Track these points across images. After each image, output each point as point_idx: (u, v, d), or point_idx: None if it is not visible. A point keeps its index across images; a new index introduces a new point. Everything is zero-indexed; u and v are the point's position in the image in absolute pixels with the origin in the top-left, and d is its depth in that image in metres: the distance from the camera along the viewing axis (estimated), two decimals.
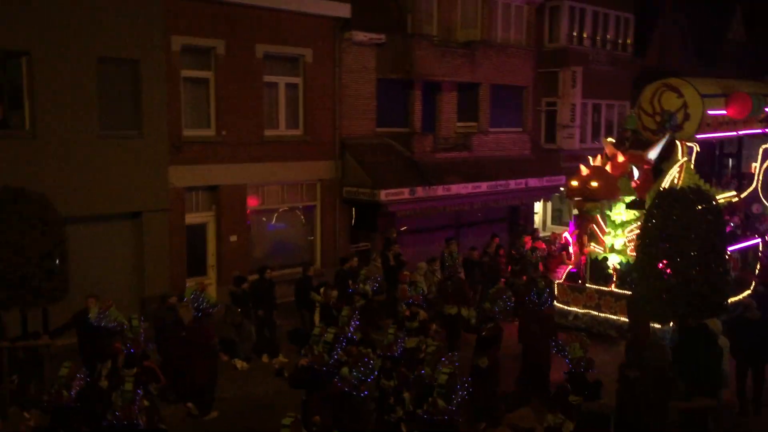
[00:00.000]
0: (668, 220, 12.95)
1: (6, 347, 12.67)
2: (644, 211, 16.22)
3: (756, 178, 21.26)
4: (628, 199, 18.05)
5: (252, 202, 20.22)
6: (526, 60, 26.62)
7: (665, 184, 17.46)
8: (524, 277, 19.37)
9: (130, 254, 17.79)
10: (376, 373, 10.29)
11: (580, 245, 18.63)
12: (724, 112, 19.21)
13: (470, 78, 24.81)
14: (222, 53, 18.89)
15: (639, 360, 11.58)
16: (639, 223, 16.81)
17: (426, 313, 14.98)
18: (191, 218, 19.01)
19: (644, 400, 10.99)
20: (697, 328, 12.43)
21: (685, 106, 18.47)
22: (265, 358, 16.08)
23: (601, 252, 18.34)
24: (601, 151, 19.31)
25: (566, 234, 20.02)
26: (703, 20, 36.67)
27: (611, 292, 17.84)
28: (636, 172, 18.05)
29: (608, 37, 30.62)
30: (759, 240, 20.57)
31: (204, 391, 13.42)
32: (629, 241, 17.70)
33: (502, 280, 19.68)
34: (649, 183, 17.92)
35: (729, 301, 13.77)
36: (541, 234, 26.00)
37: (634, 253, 16.74)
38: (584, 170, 18.11)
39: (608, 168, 18.30)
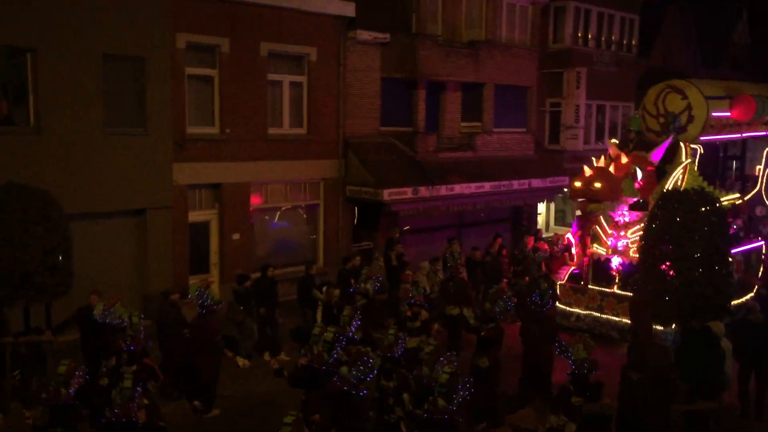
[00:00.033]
0: (672, 222, 12.95)
1: (9, 343, 12.70)
2: (647, 213, 16.26)
3: (760, 180, 21.22)
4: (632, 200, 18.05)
5: (255, 201, 20.23)
6: (530, 60, 26.62)
7: (669, 185, 17.44)
8: (527, 278, 19.35)
9: (133, 251, 17.83)
10: (375, 372, 10.28)
11: (583, 246, 18.61)
12: (728, 114, 19.18)
13: (474, 78, 24.81)
14: (227, 51, 18.91)
15: (641, 362, 11.58)
16: (642, 225, 16.85)
17: (428, 313, 14.99)
18: (194, 216, 19.03)
19: (646, 402, 10.99)
20: (700, 330, 12.42)
21: (689, 107, 18.43)
22: (266, 356, 16.09)
23: (604, 253, 18.32)
24: (604, 152, 19.30)
25: (569, 235, 20.00)
26: (708, 22, 36.64)
27: (614, 294, 17.84)
28: (639, 174, 18.01)
29: (613, 38, 30.59)
30: (762, 242, 20.54)
31: (208, 388, 13.44)
32: (632, 243, 17.67)
33: (504, 280, 19.72)
34: (652, 184, 17.89)
35: (732, 303, 13.76)
36: (544, 235, 25.98)
37: (637, 255, 16.76)
38: (587, 171, 18.09)
39: (612, 169, 18.28)
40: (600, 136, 29.55)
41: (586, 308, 18.21)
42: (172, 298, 14.50)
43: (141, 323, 11.81)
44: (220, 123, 19.14)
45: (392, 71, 22.58)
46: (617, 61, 30.49)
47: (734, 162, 23.83)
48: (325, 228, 21.75)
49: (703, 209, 12.98)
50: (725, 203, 17.16)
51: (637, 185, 18.08)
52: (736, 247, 17.70)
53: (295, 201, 21.36)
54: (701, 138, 18.67)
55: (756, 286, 18.59)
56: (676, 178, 17.93)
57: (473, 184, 23.09)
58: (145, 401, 9.35)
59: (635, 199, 18.12)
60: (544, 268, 20.08)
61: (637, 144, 19.01)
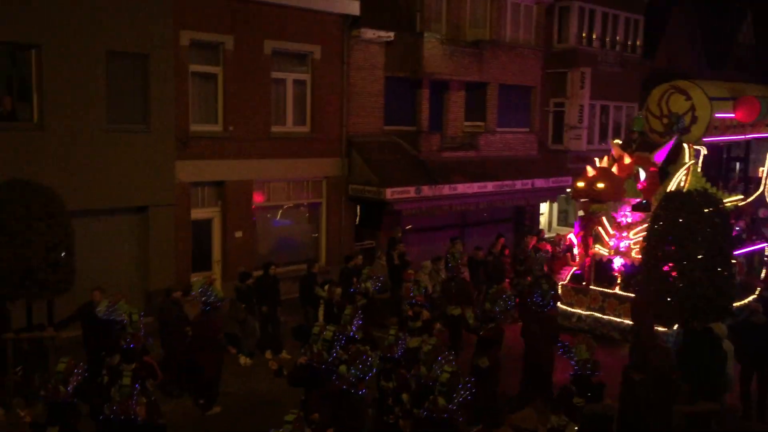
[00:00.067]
0: (675, 223, 12.95)
1: (11, 339, 12.72)
2: (650, 214, 16.24)
3: (763, 182, 21.19)
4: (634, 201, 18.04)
5: (258, 198, 20.24)
6: (534, 60, 26.60)
7: (672, 186, 17.43)
8: (528, 278, 19.34)
9: (136, 248, 17.84)
10: (374, 370, 10.27)
11: (585, 247, 18.59)
12: (732, 115, 19.16)
13: (478, 77, 24.79)
14: (230, 49, 18.91)
15: (643, 362, 11.57)
16: (644, 226, 16.83)
17: (430, 312, 14.98)
18: (197, 213, 19.05)
19: (647, 403, 10.98)
20: (702, 331, 12.42)
21: (692, 108, 18.41)
22: (268, 355, 16.10)
23: (606, 254, 18.31)
24: (608, 152, 19.28)
25: (571, 235, 19.99)
26: (713, 23, 36.59)
27: (615, 295, 17.82)
28: (642, 174, 17.99)
29: (617, 38, 30.56)
30: (765, 244, 20.51)
31: (210, 386, 13.46)
32: (634, 244, 17.65)
33: (507, 280, 19.70)
34: (655, 185, 17.88)
35: (734, 305, 13.74)
36: (546, 235, 25.97)
37: (639, 256, 16.74)
38: (590, 171, 18.08)
39: (614, 170, 18.27)
40: (604, 137, 29.53)
41: (588, 309, 18.19)
42: (174, 295, 14.50)
43: (141, 321, 11.79)
44: (223, 121, 19.15)
45: (396, 70, 22.58)
46: (621, 62, 30.45)
47: (738, 163, 23.82)
48: (327, 226, 21.75)
49: (706, 210, 12.97)
50: (728, 205, 17.14)
51: (639, 186, 18.06)
52: (738, 249, 17.68)
53: (298, 199, 21.38)
54: (705, 139, 18.65)
55: (758, 288, 18.57)
56: (679, 180, 17.92)
57: (476, 184, 23.09)
58: (143, 399, 9.32)
59: (638, 200, 18.10)
60: (545, 268, 20.06)
61: (640, 145, 18.98)
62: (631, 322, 16.61)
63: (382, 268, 18.70)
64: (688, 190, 14.25)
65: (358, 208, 22.40)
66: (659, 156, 18.20)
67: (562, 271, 19.39)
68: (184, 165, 18.20)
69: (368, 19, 21.41)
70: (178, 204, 18.25)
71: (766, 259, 20.47)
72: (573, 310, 18.39)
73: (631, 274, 17.59)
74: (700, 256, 12.65)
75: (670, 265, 12.85)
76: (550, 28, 28.32)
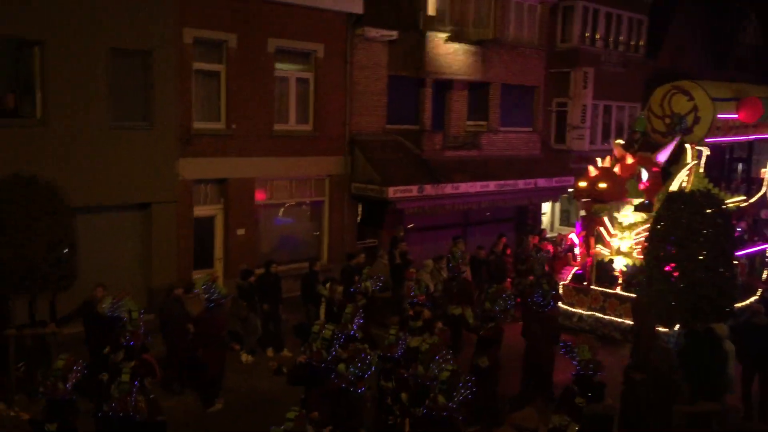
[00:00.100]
0: (677, 223, 12.94)
1: (13, 335, 12.74)
2: (652, 214, 16.23)
3: (765, 183, 21.16)
4: (636, 201, 18.01)
5: (260, 196, 20.25)
6: (537, 60, 26.60)
7: (674, 187, 17.43)
8: (530, 278, 19.35)
9: (138, 245, 17.87)
10: (373, 369, 10.27)
11: (587, 247, 18.59)
12: (735, 116, 19.14)
13: (481, 77, 24.80)
14: (234, 47, 18.92)
15: (644, 363, 11.58)
16: (646, 226, 16.82)
17: (431, 311, 14.98)
18: (199, 211, 19.07)
19: (648, 403, 10.98)
20: (703, 332, 12.42)
21: (695, 109, 18.40)
22: (269, 352, 16.13)
23: (608, 254, 18.30)
24: (611, 152, 19.27)
25: (572, 235, 19.99)
26: (716, 23, 36.54)
27: (616, 295, 17.82)
28: (645, 175, 17.98)
29: (621, 38, 30.54)
30: (767, 246, 20.49)
31: (214, 383, 13.47)
32: (636, 244, 17.65)
33: (508, 279, 19.71)
34: (657, 186, 17.87)
35: (735, 306, 13.73)
36: (548, 234, 25.97)
37: (641, 256, 16.73)
38: (593, 171, 18.07)
39: (617, 170, 18.25)
40: (606, 137, 29.52)
41: (589, 309, 18.19)
42: (176, 292, 14.50)
43: (141, 318, 11.78)
44: (226, 118, 19.16)
45: (399, 69, 22.58)
46: (625, 62, 30.44)
47: (740, 164, 23.80)
48: (329, 225, 21.76)
49: (708, 211, 12.97)
50: (731, 206, 17.13)
51: (642, 186, 18.06)
52: (740, 250, 17.67)
53: (300, 197, 21.39)
54: (707, 140, 18.64)
55: (760, 290, 18.56)
56: (681, 180, 17.92)
57: (478, 183, 23.10)
58: (141, 397, 9.31)
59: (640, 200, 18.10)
60: (546, 267, 20.07)
61: (642, 145, 18.97)
62: (631, 323, 16.65)
63: (383, 267, 18.71)
64: (691, 191, 14.25)
65: (360, 206, 22.40)
66: (661, 156, 18.19)
67: (563, 271, 19.40)
68: (187, 162, 18.22)
69: (371, 18, 21.40)
70: (181, 201, 18.26)
71: (767, 260, 20.43)
72: (574, 310, 18.40)
73: (632, 274, 17.58)
74: (702, 257, 12.64)
75: (672, 265, 12.84)
76: (553, 27, 28.31)
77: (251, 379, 14.76)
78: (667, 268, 12.88)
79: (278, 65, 20.06)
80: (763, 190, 21.09)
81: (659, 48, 32.75)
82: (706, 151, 18.75)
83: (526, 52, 26.07)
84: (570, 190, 24.93)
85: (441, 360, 10.02)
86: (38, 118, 15.97)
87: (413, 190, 21.24)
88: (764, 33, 39.76)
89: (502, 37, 25.14)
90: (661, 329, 15.26)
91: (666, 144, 18.31)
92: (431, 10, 22.74)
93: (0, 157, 14.71)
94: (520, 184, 24.48)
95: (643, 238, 16.71)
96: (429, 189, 21.62)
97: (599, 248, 18.42)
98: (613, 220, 18.27)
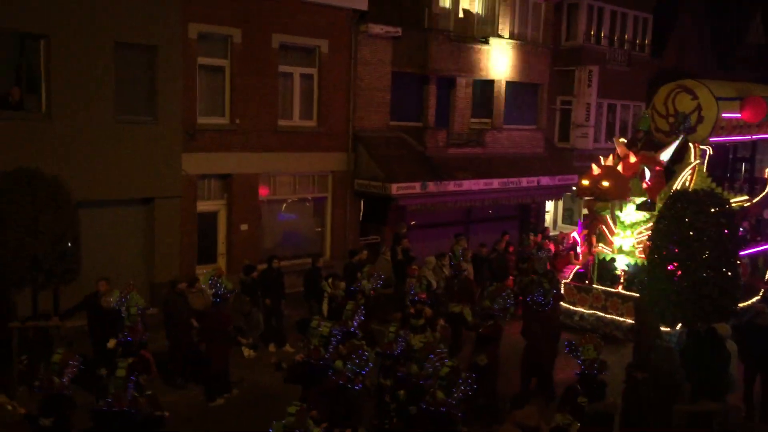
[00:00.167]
0: (680, 223, 12.92)
1: (16, 328, 12.78)
2: (654, 213, 16.22)
3: None
4: (639, 200, 17.99)
5: (264, 192, 20.28)
6: (542, 57, 26.58)
7: (677, 186, 17.41)
8: (533, 276, 19.32)
9: (141, 240, 17.91)
10: (370, 365, 10.28)
11: (589, 245, 18.57)
12: (738, 115, 19.11)
13: (485, 74, 24.79)
14: (238, 42, 18.94)
15: (646, 362, 11.58)
16: (648, 225, 16.81)
17: (433, 309, 15.00)
18: (203, 206, 19.10)
19: (650, 402, 11.00)
20: (705, 331, 12.42)
21: (699, 108, 18.39)
22: (272, 348, 16.16)
23: (610, 253, 18.29)
24: (614, 151, 19.25)
25: (574, 234, 19.97)
26: (722, 23, 36.47)
27: (618, 294, 17.81)
28: (647, 173, 17.96)
29: (626, 37, 30.50)
30: None
31: (218, 377, 13.51)
32: (638, 243, 17.63)
33: (510, 278, 19.70)
34: (660, 185, 17.84)
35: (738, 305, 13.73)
36: (551, 233, 25.98)
37: (643, 255, 16.73)
38: (595, 170, 18.04)
39: (620, 168, 18.22)
40: (610, 135, 29.42)
41: (591, 307, 18.18)
42: (179, 287, 14.54)
43: (139, 314, 11.79)
44: (230, 113, 19.19)
45: (403, 65, 22.59)
46: (629, 60, 30.41)
47: (744, 164, 23.75)
48: (332, 221, 21.78)
49: (712, 210, 12.96)
50: (734, 205, 17.11)
51: (645, 185, 18.04)
52: (742, 250, 17.64)
53: (304, 193, 21.41)
54: (711, 139, 18.62)
55: (762, 290, 18.54)
56: (684, 179, 17.90)
57: (482, 181, 23.11)
58: (135, 393, 9.29)
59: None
60: (548, 266, 20.02)
61: (645, 143, 18.95)
62: (633, 322, 16.64)
63: (386, 264, 18.74)
64: (694, 190, 14.22)
65: (363, 202, 22.40)
66: (665, 155, 18.17)
67: (565, 270, 19.38)
68: (191, 157, 18.25)
69: (376, 14, 21.42)
70: (184, 196, 18.30)
71: None
72: (575, 308, 18.38)
73: (634, 273, 17.57)
74: (705, 256, 12.64)
75: (675, 264, 12.84)
76: (558, 25, 28.28)
77: (253, 374, 14.79)
78: (669, 268, 12.87)
79: (282, 61, 20.06)
80: (767, 190, 21.04)
81: (664, 47, 32.71)
82: (709, 151, 18.73)
83: (530, 49, 26.05)
84: (573, 188, 24.91)
85: (436, 358, 10.00)
86: (43, 113, 16.00)
87: (416, 187, 21.26)
88: None
89: (506, 35, 25.12)
90: (663, 328, 15.25)
91: (669, 143, 18.28)
92: (436, 8, 22.76)
93: (5, 151, 14.76)
94: (524, 182, 24.48)
95: (645, 237, 16.70)
96: (432, 186, 21.63)
97: (601, 247, 18.40)
98: (615, 218, 18.26)
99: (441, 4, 23.13)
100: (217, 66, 18.97)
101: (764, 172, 21.71)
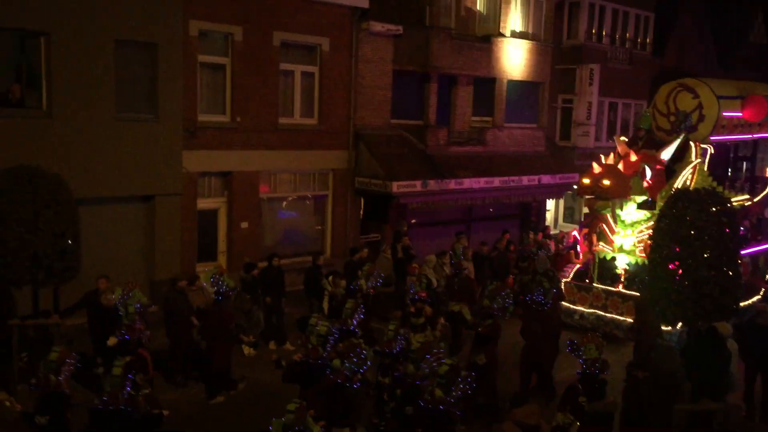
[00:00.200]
0: (681, 222, 12.91)
1: (17, 325, 12.78)
2: (655, 212, 16.20)
3: None
4: (640, 198, 17.97)
5: (264, 190, 20.27)
6: (543, 56, 26.55)
7: (677, 185, 17.39)
8: (533, 274, 19.29)
9: (142, 237, 17.91)
10: (369, 364, 10.26)
11: (589, 244, 18.55)
12: (739, 114, 19.10)
13: (487, 72, 24.77)
14: (239, 40, 18.94)
15: (646, 361, 11.58)
16: (649, 224, 16.79)
17: (434, 307, 14.98)
18: (203, 203, 19.10)
19: (650, 401, 10.99)
20: (706, 331, 12.41)
21: (700, 106, 18.38)
22: (272, 345, 16.16)
23: (610, 252, 18.27)
24: (615, 149, 19.23)
25: (575, 232, 19.95)
26: (723, 22, 36.44)
27: (619, 293, 17.79)
28: (648, 172, 17.94)
29: (627, 35, 30.49)
30: None
31: (220, 375, 13.51)
32: (639, 242, 17.62)
33: (510, 276, 19.68)
34: (661, 183, 17.83)
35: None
36: (552, 231, 25.97)
37: (643, 254, 16.71)
38: (596, 168, 18.02)
39: (621, 167, 18.20)
40: (612, 134, 29.43)
41: (591, 306, 18.16)
42: (179, 284, 14.54)
43: (137, 312, 11.77)
44: (231, 111, 19.18)
45: (404, 63, 22.58)
46: (631, 59, 30.40)
47: (745, 163, 23.74)
48: (333, 219, 21.78)
49: (713, 209, 12.94)
50: (735, 204, 17.09)
51: (645, 184, 18.02)
52: (743, 249, 17.62)
53: (304, 191, 21.41)
54: (712, 138, 18.61)
55: (763, 289, 18.53)
56: (685, 178, 17.88)
57: (482, 179, 23.11)
58: (132, 392, 9.27)
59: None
60: (548, 265, 20.00)
61: (646, 142, 18.93)
62: (632, 320, 16.62)
63: (386, 262, 18.73)
64: (696, 189, 14.20)
65: (364, 200, 22.38)
66: (665, 154, 18.15)
67: (565, 269, 19.36)
68: (191, 155, 18.24)
69: (377, 12, 21.41)
70: (185, 194, 18.30)
71: None
72: (576, 307, 18.36)
73: (635, 272, 17.55)
74: (706, 255, 12.63)
75: (676, 263, 12.82)
76: (559, 23, 28.27)
77: (254, 372, 14.77)
78: (670, 267, 12.85)
79: (283, 59, 20.05)
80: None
81: (665, 45, 32.69)
82: (710, 150, 18.70)
83: (532, 48, 26.02)
84: (575, 187, 24.89)
85: (433, 359, 9.98)
86: (43, 110, 16.00)
87: (417, 185, 21.25)
88: None
89: (507, 33, 25.10)
90: (664, 328, 15.23)
91: (670, 142, 18.26)
92: (438, 6, 22.76)
93: (5, 148, 14.76)
94: (525, 180, 24.47)
95: (645, 236, 16.68)
96: (433, 184, 21.62)
97: (602, 246, 18.38)
98: (615, 217, 18.24)
99: (442, 1, 23.10)
100: (217, 64, 18.96)
101: (765, 171, 21.71)
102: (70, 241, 12.86)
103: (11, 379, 12.73)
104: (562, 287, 18.05)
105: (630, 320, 16.73)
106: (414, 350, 10.61)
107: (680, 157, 18.26)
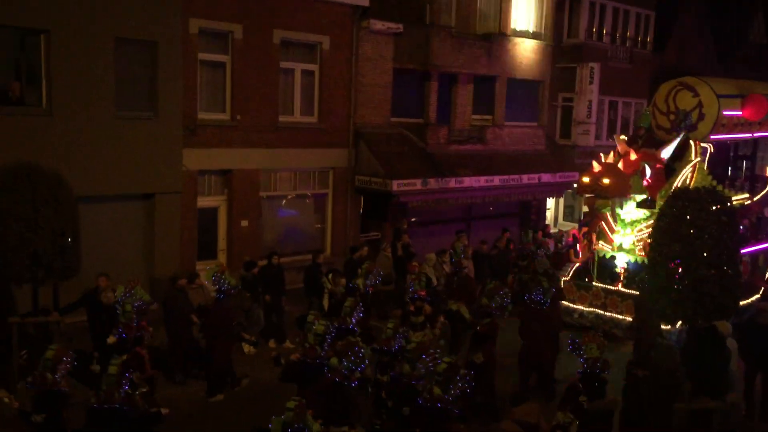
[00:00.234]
0: (681, 221, 12.91)
1: (16, 323, 12.79)
2: (655, 211, 16.19)
3: None
4: (639, 197, 17.96)
5: (264, 188, 20.26)
6: (544, 54, 26.55)
7: (677, 184, 17.38)
8: (531, 273, 19.28)
9: (142, 235, 17.91)
10: (366, 362, 10.24)
11: (589, 243, 18.53)
12: (739, 113, 19.08)
13: (487, 71, 24.77)
14: (239, 38, 18.93)
15: (646, 359, 11.57)
16: (649, 223, 16.79)
17: (433, 306, 14.96)
18: (203, 201, 19.11)
19: (650, 400, 10.99)
20: (706, 329, 12.41)
21: (700, 105, 18.37)
22: (272, 343, 16.17)
23: (610, 250, 18.26)
24: (615, 148, 19.21)
25: (574, 231, 19.94)
26: (724, 20, 36.44)
27: (618, 292, 17.78)
28: (648, 171, 17.93)
29: (628, 33, 30.49)
30: None
31: (220, 373, 13.51)
32: (638, 241, 17.61)
33: (510, 275, 19.66)
34: (660, 182, 17.81)
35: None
36: (552, 230, 25.97)
37: (643, 253, 16.70)
38: (596, 167, 17.99)
39: (620, 166, 18.18)
40: (612, 133, 29.42)
41: (590, 305, 18.15)
42: (179, 283, 14.53)
43: (134, 311, 11.76)
44: (231, 109, 19.19)
45: (405, 62, 22.57)
46: (631, 57, 30.39)
47: (744, 162, 23.73)
48: (333, 217, 21.79)
49: (713, 208, 12.94)
50: (735, 203, 17.08)
51: (645, 183, 18.01)
52: (743, 248, 17.61)
53: (304, 189, 21.41)
54: (712, 137, 18.59)
55: (762, 288, 18.51)
56: (684, 177, 17.87)
57: (483, 178, 23.11)
58: (129, 391, 9.26)
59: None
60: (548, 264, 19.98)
61: (646, 141, 18.92)
62: (632, 319, 16.61)
63: (386, 260, 18.72)
64: (696, 188, 14.19)
65: (364, 199, 22.38)
66: (665, 153, 18.14)
67: (564, 268, 19.32)
68: (191, 153, 18.24)
69: (377, 10, 21.41)
70: (185, 192, 18.30)
71: None
72: (575, 306, 18.35)
73: (635, 271, 17.54)
74: (706, 254, 12.63)
75: (676, 262, 12.82)
76: (560, 22, 28.26)
77: (253, 371, 14.77)
78: (670, 265, 12.85)
79: (283, 57, 20.04)
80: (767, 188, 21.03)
81: (666, 44, 32.68)
82: (710, 148, 18.69)
83: (532, 46, 26.02)
84: (575, 185, 24.86)
85: (428, 359, 9.96)
86: (43, 108, 16.00)
87: (417, 184, 21.25)
88: None
89: (508, 31, 25.10)
90: (664, 326, 15.23)
91: (670, 140, 18.25)
92: (438, 4, 22.75)
93: (5, 146, 14.76)
94: (525, 179, 24.46)
95: (645, 235, 16.68)
96: (433, 183, 21.62)
97: (601, 244, 18.36)
98: (615, 216, 18.22)
99: (443, 0, 23.09)
100: (217, 62, 18.97)
101: (765, 170, 21.69)
102: (69, 239, 12.87)
103: (11, 377, 12.74)
104: (562, 286, 18.03)
105: (629, 319, 16.72)
106: (410, 350, 10.59)
107: (680, 156, 18.25)
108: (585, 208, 19.11)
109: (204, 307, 14.30)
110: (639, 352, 13.05)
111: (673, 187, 16.78)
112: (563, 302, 17.81)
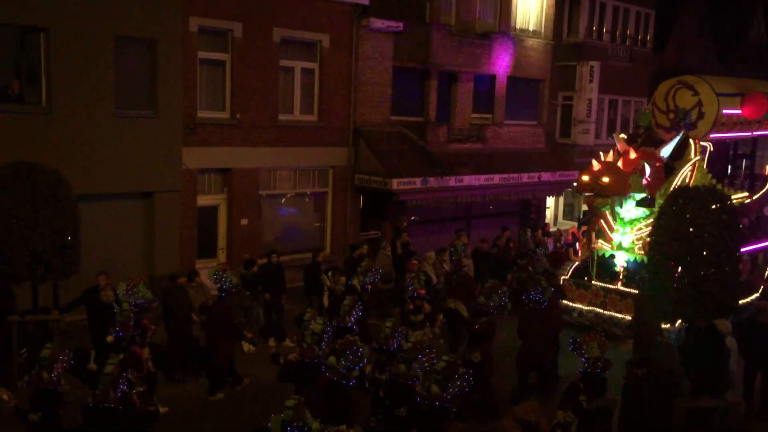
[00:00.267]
0: (681, 219, 12.91)
1: (16, 321, 12.80)
2: (654, 209, 16.19)
3: None
4: (639, 196, 17.96)
5: (264, 186, 20.26)
6: (544, 53, 26.55)
7: (676, 182, 17.38)
8: (530, 272, 19.27)
9: (141, 234, 17.90)
10: (365, 361, 10.22)
11: (588, 241, 18.53)
12: (739, 111, 19.09)
13: (487, 69, 24.77)
14: (239, 36, 18.92)
15: (645, 358, 11.58)
16: (648, 221, 16.79)
17: (432, 305, 14.95)
18: (203, 200, 19.10)
19: (650, 399, 11.00)
20: (705, 328, 12.42)
21: (699, 104, 18.37)
22: (271, 342, 16.17)
23: (609, 249, 18.26)
24: (614, 147, 19.21)
25: (574, 230, 19.92)
26: (724, 19, 36.46)
27: (617, 290, 17.78)
28: (647, 170, 17.93)
29: (628, 32, 30.50)
30: None
31: (222, 371, 13.50)
32: (638, 239, 17.61)
33: (510, 275, 19.65)
34: (660, 181, 17.81)
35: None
36: (552, 229, 25.97)
37: (642, 252, 16.70)
38: (595, 165, 17.99)
39: (620, 164, 18.18)
40: (612, 131, 29.42)
41: (589, 304, 18.15)
42: (179, 281, 14.56)
43: (131, 310, 11.75)
44: (230, 108, 19.18)
45: (405, 60, 22.56)
46: (631, 56, 30.39)
47: (744, 160, 23.75)
48: (332, 216, 21.78)
49: (713, 207, 12.95)
50: (735, 202, 17.08)
51: (645, 181, 18.01)
52: (742, 247, 17.61)
53: (304, 188, 21.41)
54: (711, 135, 18.60)
55: (762, 287, 18.51)
56: (684, 175, 17.87)
57: (482, 176, 23.10)
58: (126, 390, 9.24)
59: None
60: (548, 264, 19.99)
61: (645, 139, 18.92)
62: (631, 318, 16.61)
63: (386, 259, 18.73)
64: (696, 186, 14.20)
65: (363, 197, 22.38)
66: (665, 151, 18.14)
67: (563, 267, 19.32)
68: (191, 151, 18.23)
69: (377, 9, 21.39)
70: (184, 190, 18.29)
71: None
72: (574, 305, 18.35)
73: (634, 269, 17.54)
74: (706, 253, 12.63)
75: (676, 260, 12.83)
76: (560, 20, 28.26)
77: (253, 369, 14.78)
78: (670, 264, 12.85)
79: (283, 55, 20.03)
80: (767, 187, 20.99)
81: (666, 43, 32.70)
82: (709, 147, 18.70)
83: (532, 45, 26.02)
84: (575, 184, 24.87)
85: (425, 359, 9.94)
86: (43, 106, 15.97)
87: (417, 183, 21.25)
88: None
89: (508, 30, 25.09)
90: (663, 325, 15.23)
91: (670, 139, 18.25)
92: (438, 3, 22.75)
93: (5, 144, 14.75)
94: (524, 177, 24.46)
95: (644, 234, 16.68)
96: (433, 181, 21.62)
97: (600, 243, 18.36)
98: (615, 214, 18.23)
99: None
100: (217, 60, 18.96)
101: (764, 169, 21.68)
102: (69, 238, 12.87)
103: (11, 375, 12.74)
104: (561, 285, 18.04)
105: (629, 318, 16.72)
106: (406, 350, 10.56)
107: (680, 155, 18.25)
108: (584, 207, 19.10)
109: (205, 306, 14.32)
110: (638, 351, 13.07)
111: (673, 186, 16.80)
112: (562, 301, 17.81)
